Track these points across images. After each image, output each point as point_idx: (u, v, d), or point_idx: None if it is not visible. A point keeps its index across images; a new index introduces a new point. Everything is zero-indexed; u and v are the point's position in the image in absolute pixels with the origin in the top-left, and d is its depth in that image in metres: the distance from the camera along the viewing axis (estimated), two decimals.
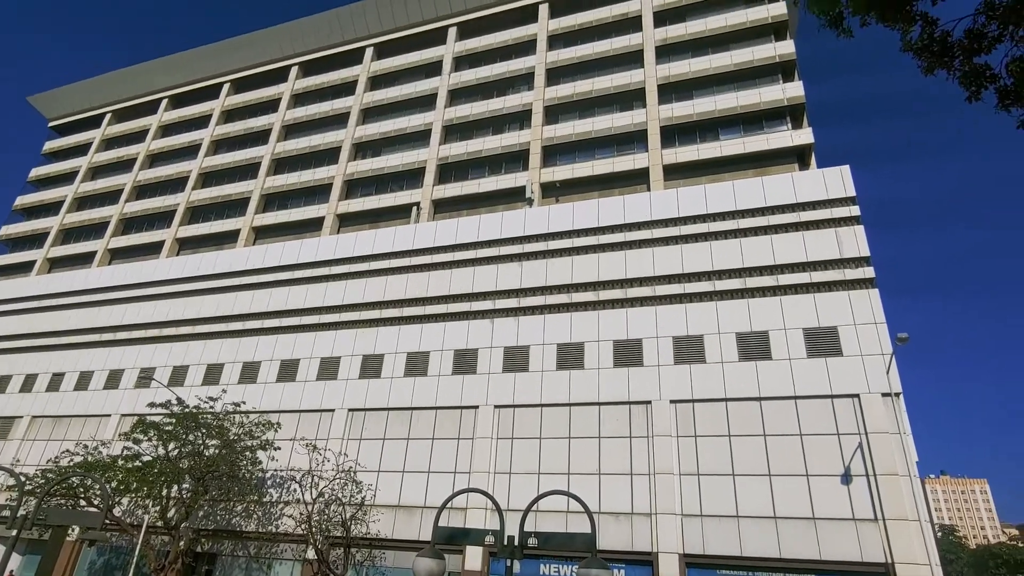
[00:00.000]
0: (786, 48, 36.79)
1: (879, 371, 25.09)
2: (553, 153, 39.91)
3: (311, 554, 27.72)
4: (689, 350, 28.31)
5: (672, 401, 27.43)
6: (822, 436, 25.01)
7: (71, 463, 28.84)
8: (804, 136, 33.78)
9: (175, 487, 27.85)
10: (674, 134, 37.19)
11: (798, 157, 34.20)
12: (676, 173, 35.76)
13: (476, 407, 30.41)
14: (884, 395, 24.65)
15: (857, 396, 25.08)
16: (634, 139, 37.98)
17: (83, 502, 27.60)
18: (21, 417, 40.99)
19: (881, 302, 26.56)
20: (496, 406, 30.14)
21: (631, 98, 39.52)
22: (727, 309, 28.70)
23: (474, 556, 26.84)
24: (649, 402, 27.73)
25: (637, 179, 36.54)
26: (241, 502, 29.83)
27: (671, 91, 38.75)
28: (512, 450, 28.94)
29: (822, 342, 26.57)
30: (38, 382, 42.18)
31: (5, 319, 46.70)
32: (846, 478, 23.98)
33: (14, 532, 15.93)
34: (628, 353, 29.19)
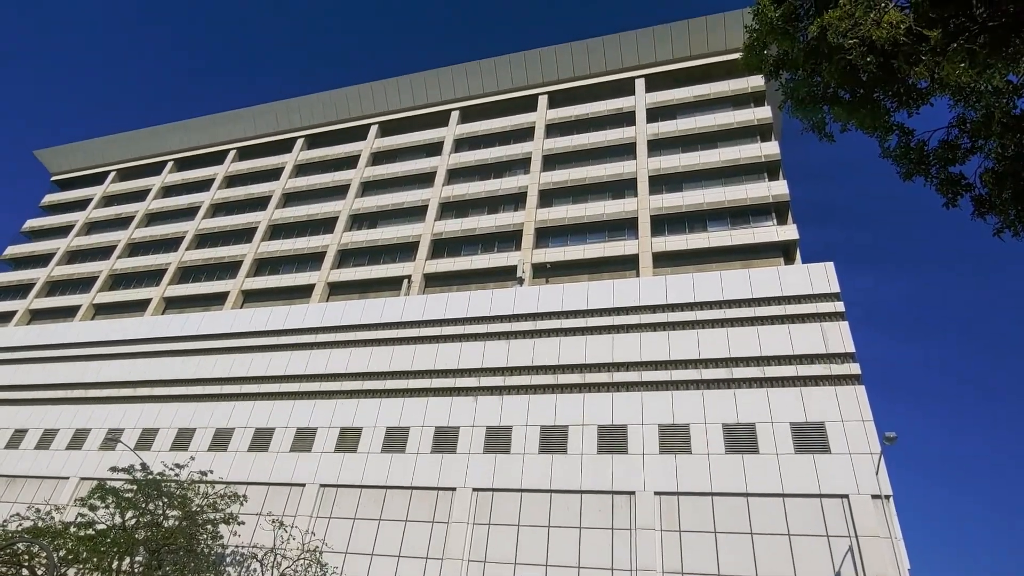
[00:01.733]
0: (771, 149, 38.57)
1: (868, 470, 24.55)
2: (546, 235, 40.72)
3: None
4: (675, 439, 27.71)
5: (656, 493, 26.53)
6: (811, 537, 24.07)
7: (19, 528, 27.15)
8: (789, 232, 34.78)
9: (127, 559, 26.10)
10: (664, 223, 38.19)
11: (783, 251, 35.05)
12: (665, 261, 36.45)
13: (453, 489, 29.24)
14: (874, 496, 23.99)
15: (847, 496, 24.38)
16: (625, 226, 38.94)
17: (25, 571, 25.75)
18: None
19: (868, 400, 26.43)
20: (475, 489, 28.99)
21: (623, 187, 40.88)
22: (713, 399, 28.39)
23: None
24: (633, 492, 26.80)
25: (627, 265, 37.15)
26: None
27: (662, 182, 40.19)
28: (488, 537, 27.58)
29: (809, 438, 26.14)
30: None
31: None
32: None
33: None
34: (613, 439, 28.51)
